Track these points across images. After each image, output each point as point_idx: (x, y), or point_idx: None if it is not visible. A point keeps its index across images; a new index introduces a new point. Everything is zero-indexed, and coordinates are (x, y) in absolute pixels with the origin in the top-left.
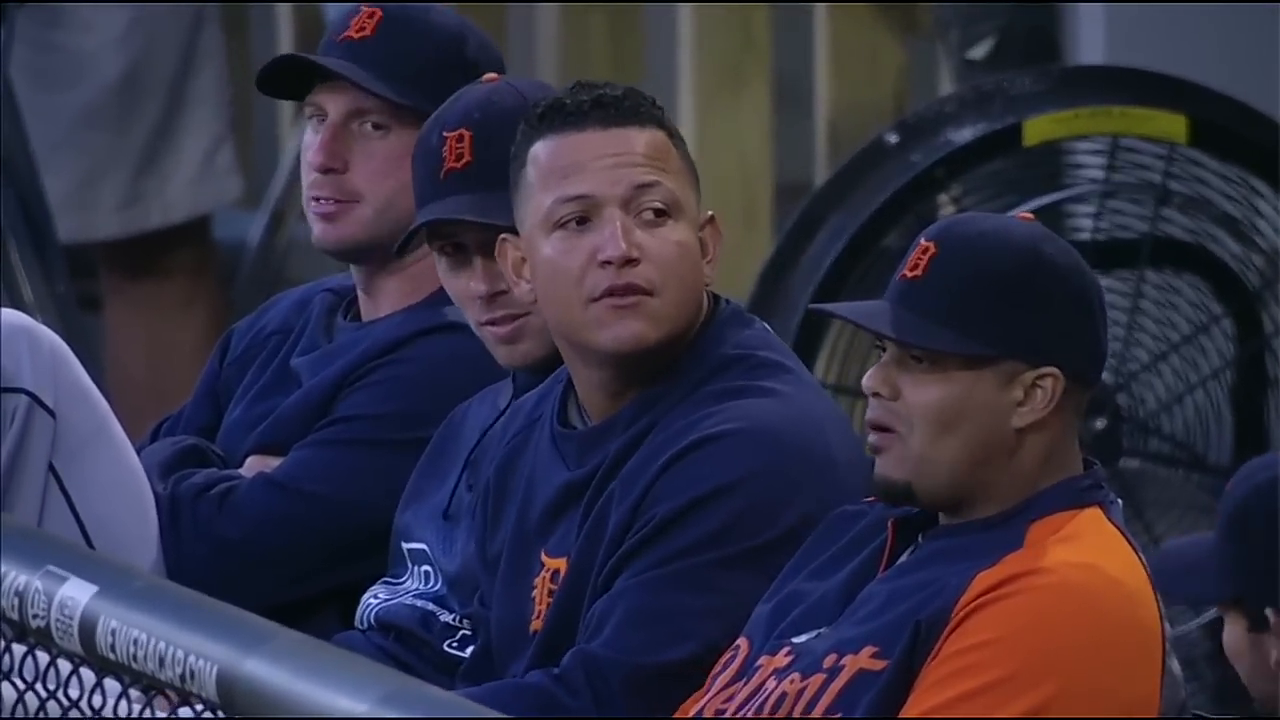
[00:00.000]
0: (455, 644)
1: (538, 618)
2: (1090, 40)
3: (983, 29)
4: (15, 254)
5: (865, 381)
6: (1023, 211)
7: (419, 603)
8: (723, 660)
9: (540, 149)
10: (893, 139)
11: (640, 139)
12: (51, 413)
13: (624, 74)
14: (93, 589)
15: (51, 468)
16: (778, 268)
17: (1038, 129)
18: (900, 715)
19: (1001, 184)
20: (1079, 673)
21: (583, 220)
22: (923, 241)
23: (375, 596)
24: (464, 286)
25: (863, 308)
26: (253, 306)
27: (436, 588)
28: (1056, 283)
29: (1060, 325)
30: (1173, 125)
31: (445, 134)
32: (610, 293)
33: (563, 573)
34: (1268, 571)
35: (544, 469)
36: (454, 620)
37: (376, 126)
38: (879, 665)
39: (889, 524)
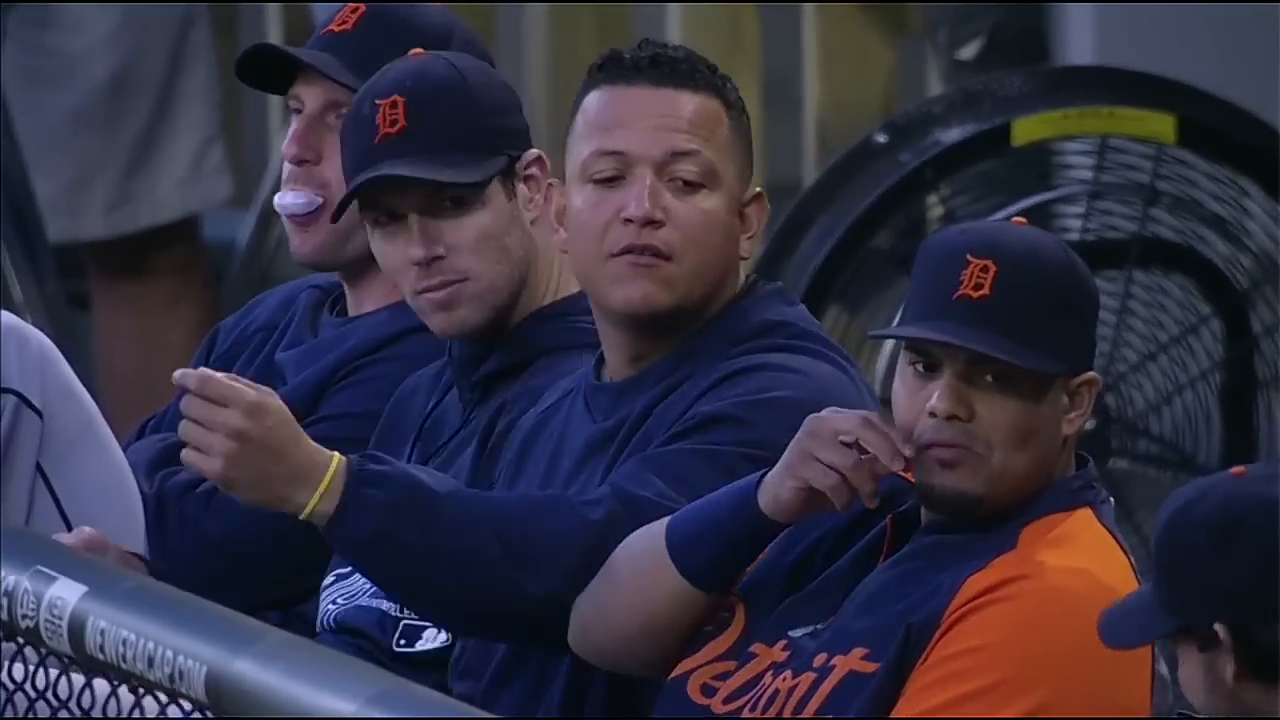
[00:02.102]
0: (403, 641)
1: None
2: (1079, 40)
3: (972, 29)
4: (5, 254)
5: (937, 405)
6: (1012, 212)
7: (373, 603)
8: (716, 619)
9: (591, 99)
10: (881, 139)
11: (690, 104)
12: (39, 412)
13: None
14: (82, 589)
15: (39, 467)
16: (767, 268)
17: (1026, 129)
18: (890, 718)
19: (990, 184)
20: (1070, 678)
21: (615, 177)
22: (974, 259)
23: (334, 602)
24: (400, 254)
25: (932, 329)
26: (242, 306)
27: None
28: (1090, 291)
29: (1092, 331)
30: (1161, 125)
31: (378, 102)
32: (629, 250)
33: None
34: (1205, 591)
35: (575, 425)
36: (398, 613)
37: None
38: (870, 668)
39: (888, 519)
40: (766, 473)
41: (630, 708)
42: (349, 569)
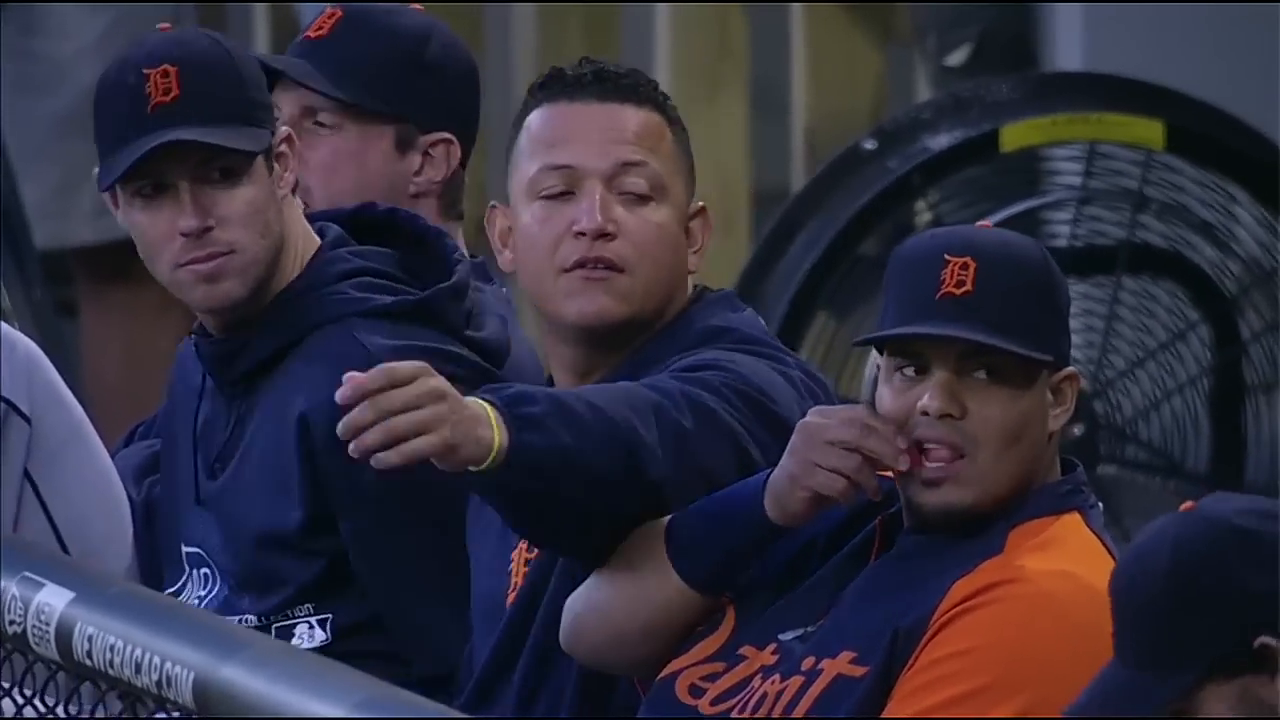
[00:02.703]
0: None
1: (513, 590)
2: (1068, 46)
3: (961, 35)
4: None
5: (930, 403)
6: (1000, 218)
7: (233, 614)
8: (709, 619)
9: (535, 117)
10: (870, 145)
11: (634, 118)
12: (27, 419)
13: None
14: (69, 595)
15: (26, 473)
16: (755, 274)
17: (1015, 135)
18: None
19: (978, 190)
20: (1055, 682)
21: (565, 193)
22: (952, 258)
23: None
24: (167, 226)
25: (927, 326)
26: None
27: (218, 591)
28: (1063, 285)
29: (1068, 325)
30: (1150, 131)
31: (147, 71)
32: (581, 264)
33: None
34: (1235, 608)
35: None
36: (260, 621)
37: (321, 124)
38: (858, 671)
39: (877, 521)
40: (768, 477)
41: (602, 709)
42: (179, 580)
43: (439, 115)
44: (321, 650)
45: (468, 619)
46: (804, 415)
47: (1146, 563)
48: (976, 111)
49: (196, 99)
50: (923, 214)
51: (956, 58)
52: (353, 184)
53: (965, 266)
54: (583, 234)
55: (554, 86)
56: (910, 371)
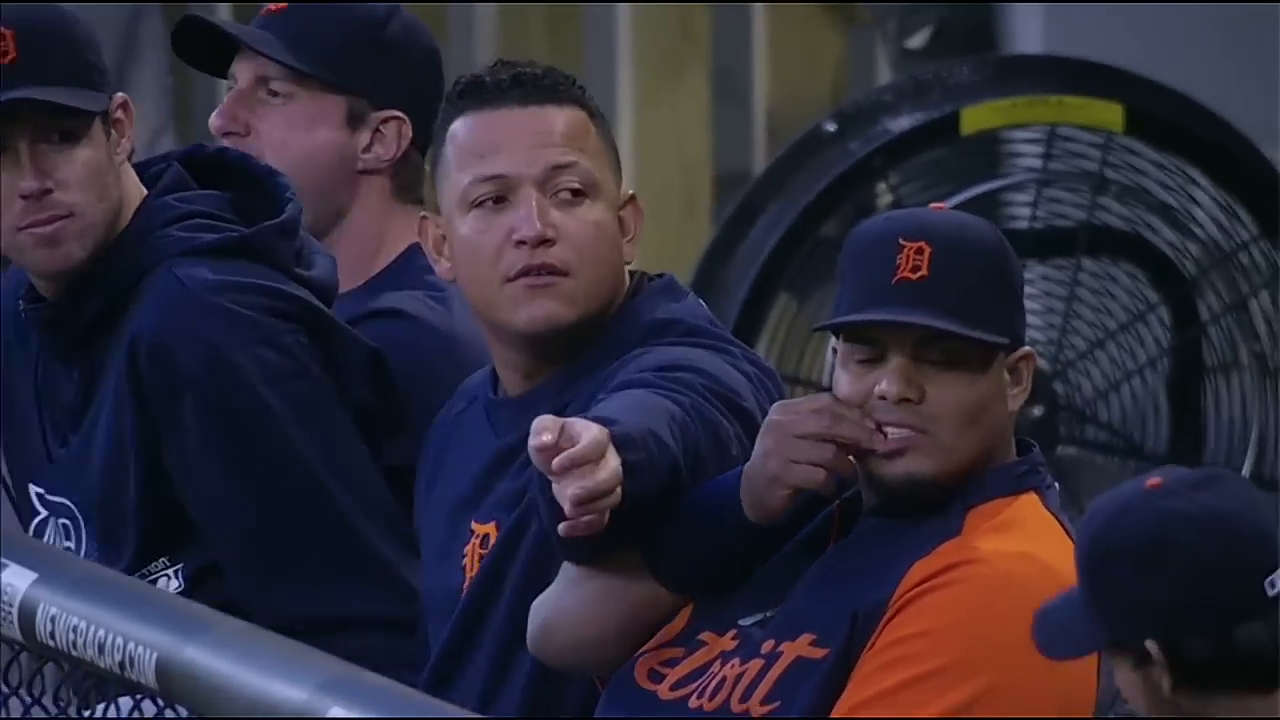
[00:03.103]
0: None
1: (467, 584)
2: (1027, 30)
3: (921, 19)
4: None
5: (888, 389)
6: (960, 200)
7: None
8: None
9: (459, 126)
10: (831, 128)
11: (559, 118)
12: None
13: (563, 67)
14: (31, 576)
15: None
16: (717, 255)
17: (975, 118)
18: (838, 704)
19: (939, 173)
20: (1015, 663)
21: (499, 199)
22: (907, 242)
23: None
24: (6, 189)
25: (882, 313)
26: None
27: (85, 549)
28: (1017, 265)
29: (1023, 307)
30: (1109, 114)
31: None
32: (525, 272)
33: (492, 538)
34: (1133, 608)
35: (475, 438)
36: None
37: (274, 94)
38: (818, 653)
39: (836, 505)
40: (740, 476)
41: (554, 692)
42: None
43: (394, 93)
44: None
45: (312, 568)
46: (758, 407)
47: (1115, 534)
48: (937, 94)
49: (35, 61)
50: (883, 196)
51: (917, 41)
52: (301, 155)
53: (920, 251)
54: (523, 242)
55: (474, 95)
56: (867, 356)
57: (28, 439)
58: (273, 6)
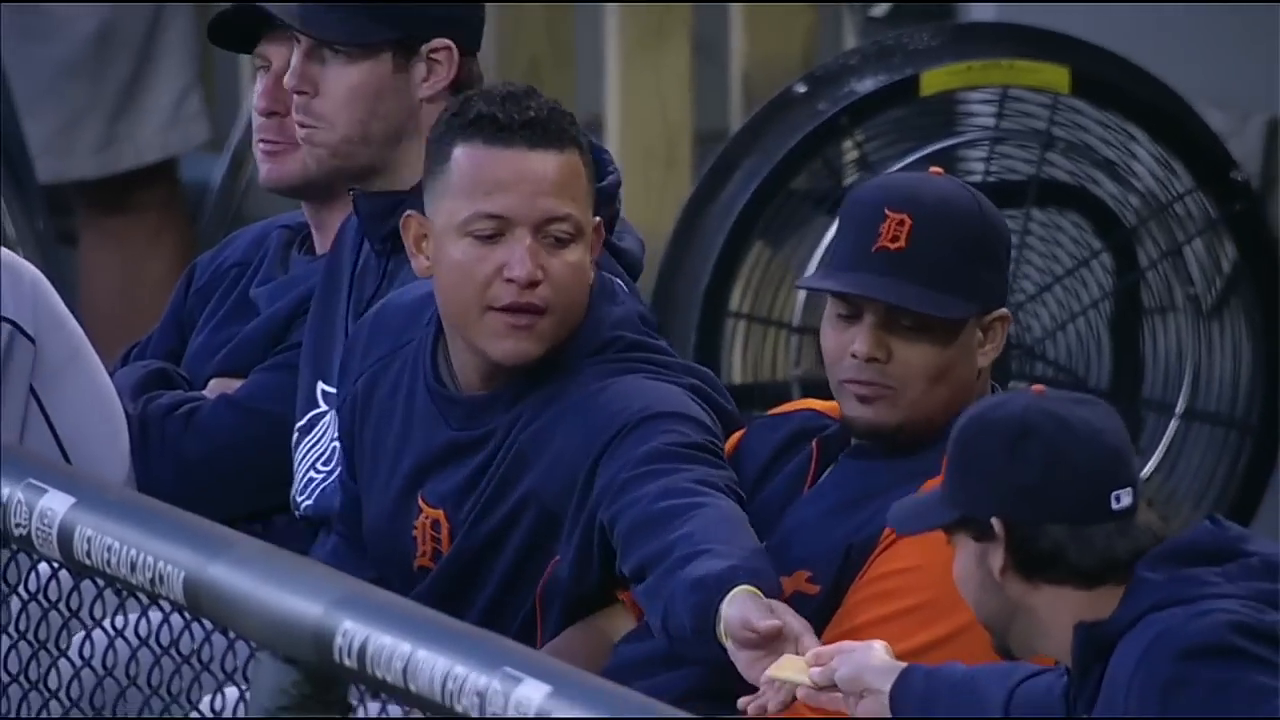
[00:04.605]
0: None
1: (423, 556)
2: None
3: None
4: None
5: (858, 348)
6: (920, 156)
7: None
8: None
9: (466, 155)
10: (801, 89)
11: (560, 165)
12: (32, 339)
13: (555, 31)
14: (70, 500)
15: (32, 390)
16: (696, 206)
17: (934, 80)
18: (828, 628)
19: (901, 130)
20: None
21: (496, 235)
22: (891, 213)
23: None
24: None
25: (852, 280)
26: (215, 242)
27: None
28: (1001, 233)
29: (1004, 271)
30: (1056, 77)
31: None
32: (510, 309)
33: (442, 525)
34: (989, 482)
35: (422, 421)
36: None
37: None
38: (813, 589)
39: (814, 443)
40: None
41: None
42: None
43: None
44: None
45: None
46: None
47: (990, 415)
48: (899, 58)
49: None
50: (850, 152)
51: (880, 10)
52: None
53: (902, 223)
54: (513, 280)
55: (486, 127)
56: (847, 313)
57: (331, 345)
58: None
